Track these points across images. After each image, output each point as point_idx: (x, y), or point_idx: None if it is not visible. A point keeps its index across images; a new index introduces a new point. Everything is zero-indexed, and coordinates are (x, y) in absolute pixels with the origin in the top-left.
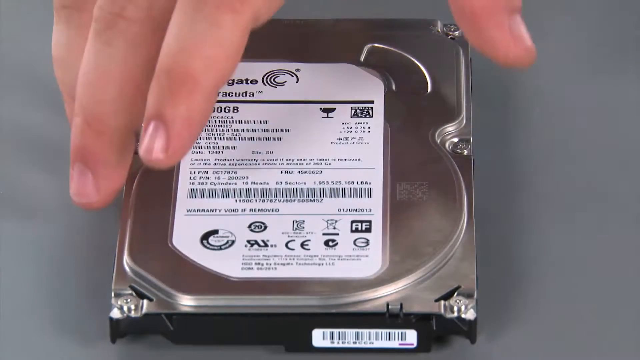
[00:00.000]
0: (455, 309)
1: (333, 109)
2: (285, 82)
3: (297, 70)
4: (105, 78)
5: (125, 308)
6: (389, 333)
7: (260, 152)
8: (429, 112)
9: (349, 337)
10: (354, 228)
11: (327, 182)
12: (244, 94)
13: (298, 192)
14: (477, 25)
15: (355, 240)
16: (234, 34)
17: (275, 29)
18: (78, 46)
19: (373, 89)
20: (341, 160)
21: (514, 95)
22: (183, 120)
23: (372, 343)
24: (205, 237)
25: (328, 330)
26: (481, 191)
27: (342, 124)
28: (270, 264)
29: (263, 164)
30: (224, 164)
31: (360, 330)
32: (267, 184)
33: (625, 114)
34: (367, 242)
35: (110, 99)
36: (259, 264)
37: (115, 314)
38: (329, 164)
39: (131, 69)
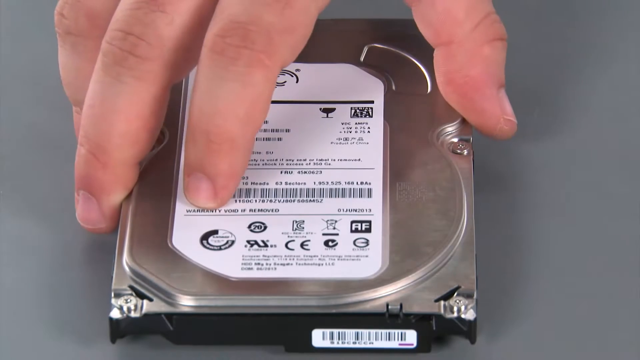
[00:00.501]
0: (455, 309)
1: (333, 109)
2: (285, 82)
3: (297, 70)
4: (112, 113)
5: (125, 308)
6: (389, 333)
7: (260, 152)
8: (429, 112)
9: (349, 337)
10: (353, 228)
11: (327, 182)
12: None
13: (298, 192)
14: (469, 96)
15: (355, 241)
16: (265, 88)
17: None
18: (85, 70)
19: (373, 89)
20: (341, 160)
21: (513, 96)
22: (226, 175)
23: (372, 343)
24: (205, 237)
25: (328, 331)
26: (481, 191)
27: (342, 124)
28: (270, 264)
29: (263, 164)
30: None
31: (360, 331)
32: (267, 184)
33: (625, 113)
34: (367, 242)
35: (116, 133)
36: (258, 264)
37: (115, 314)
38: (329, 164)
39: (139, 105)
